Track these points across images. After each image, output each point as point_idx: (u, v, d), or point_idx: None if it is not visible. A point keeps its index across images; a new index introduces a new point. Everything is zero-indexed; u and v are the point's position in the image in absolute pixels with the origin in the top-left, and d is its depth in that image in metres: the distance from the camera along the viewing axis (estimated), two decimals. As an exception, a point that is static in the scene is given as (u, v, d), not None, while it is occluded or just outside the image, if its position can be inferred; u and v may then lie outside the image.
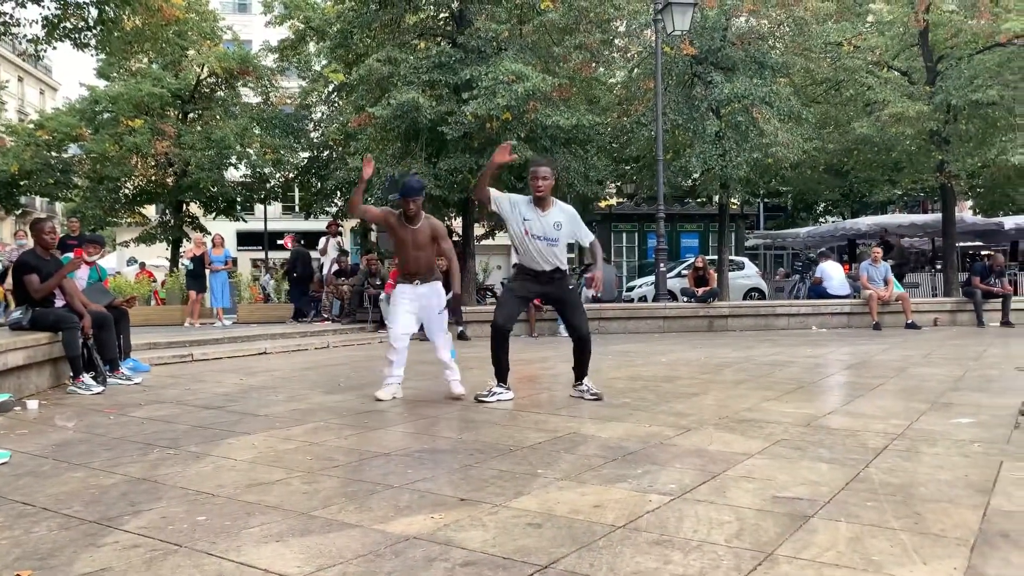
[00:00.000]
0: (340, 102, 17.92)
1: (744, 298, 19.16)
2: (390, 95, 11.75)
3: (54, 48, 11.46)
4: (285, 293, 14.53)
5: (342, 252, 13.47)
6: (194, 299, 12.60)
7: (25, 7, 10.74)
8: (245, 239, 30.48)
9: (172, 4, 12.28)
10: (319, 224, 18.54)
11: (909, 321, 11.59)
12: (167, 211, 20.24)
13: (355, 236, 23.52)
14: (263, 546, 2.21)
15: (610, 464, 3.13)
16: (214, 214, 20.24)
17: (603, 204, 23.44)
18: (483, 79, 11.43)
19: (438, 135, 12.01)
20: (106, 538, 2.30)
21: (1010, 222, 18.59)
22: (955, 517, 2.38)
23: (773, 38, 14.70)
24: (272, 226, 27.59)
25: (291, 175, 20.25)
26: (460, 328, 10.35)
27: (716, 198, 16.31)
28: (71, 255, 7.18)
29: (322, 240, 13.64)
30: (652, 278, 15.90)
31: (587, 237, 4.88)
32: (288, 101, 20.11)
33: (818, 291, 13.04)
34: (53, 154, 19.70)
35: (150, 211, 22.39)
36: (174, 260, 19.14)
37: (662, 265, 12.82)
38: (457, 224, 15.17)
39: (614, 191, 23.10)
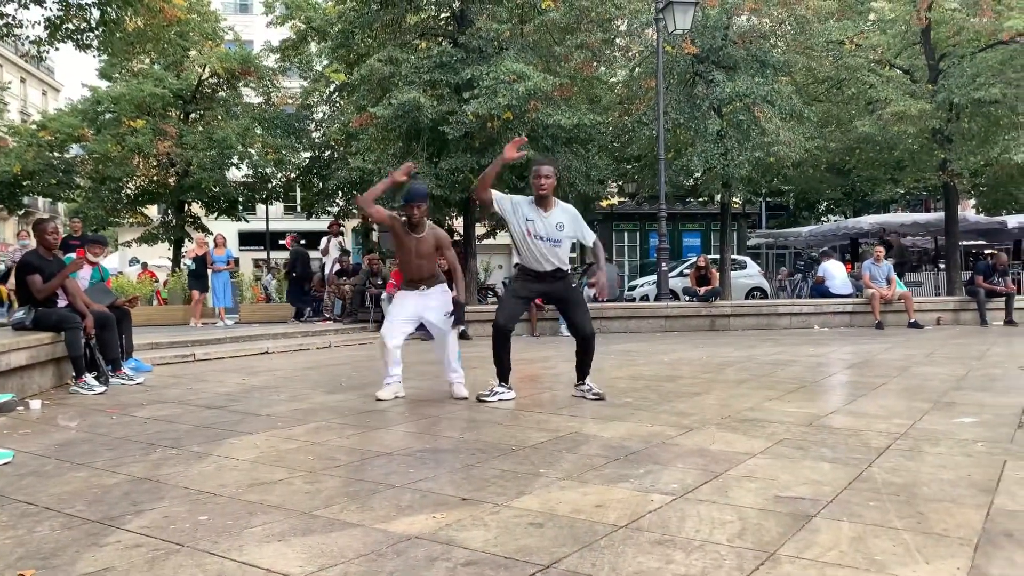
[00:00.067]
0: (341, 102, 17.91)
1: (746, 297, 19.16)
2: (391, 95, 11.75)
3: (56, 49, 11.48)
4: (287, 293, 14.54)
5: (344, 252, 13.48)
6: (196, 299, 12.61)
7: (28, 8, 10.76)
8: (247, 239, 30.53)
9: (174, 5, 12.31)
10: (321, 224, 18.53)
11: (912, 320, 11.56)
12: (169, 211, 20.28)
13: (357, 236, 23.51)
14: (265, 546, 2.21)
15: (612, 464, 3.13)
16: (216, 214, 20.27)
17: (605, 203, 23.46)
18: (484, 79, 11.43)
19: (439, 135, 12.01)
20: (108, 538, 2.30)
21: (1013, 221, 18.51)
22: (958, 517, 2.37)
23: (775, 37, 14.70)
24: (274, 226, 27.65)
25: (293, 175, 20.24)
26: (462, 327, 10.33)
27: (718, 197, 16.30)
28: (73, 255, 7.20)
29: (324, 240, 13.64)
30: (654, 277, 15.93)
31: (590, 237, 4.87)
32: (289, 101, 20.12)
33: (820, 290, 13.00)
34: (55, 155, 19.70)
35: (152, 211, 22.42)
36: (176, 260, 19.17)
37: (664, 264, 12.83)
38: (458, 224, 15.18)
39: (615, 190, 23.07)
